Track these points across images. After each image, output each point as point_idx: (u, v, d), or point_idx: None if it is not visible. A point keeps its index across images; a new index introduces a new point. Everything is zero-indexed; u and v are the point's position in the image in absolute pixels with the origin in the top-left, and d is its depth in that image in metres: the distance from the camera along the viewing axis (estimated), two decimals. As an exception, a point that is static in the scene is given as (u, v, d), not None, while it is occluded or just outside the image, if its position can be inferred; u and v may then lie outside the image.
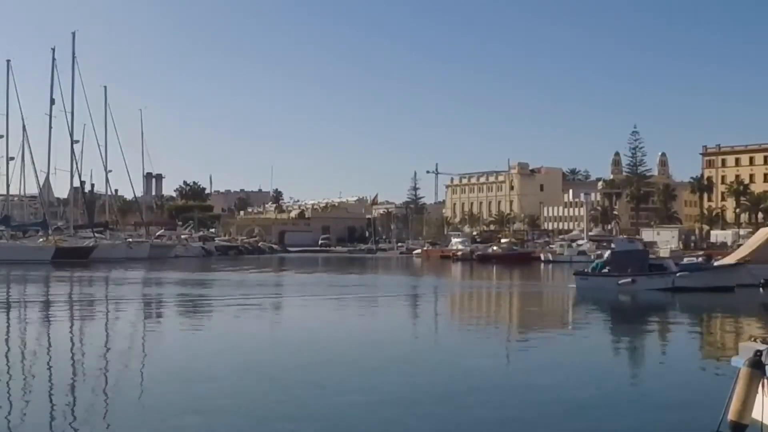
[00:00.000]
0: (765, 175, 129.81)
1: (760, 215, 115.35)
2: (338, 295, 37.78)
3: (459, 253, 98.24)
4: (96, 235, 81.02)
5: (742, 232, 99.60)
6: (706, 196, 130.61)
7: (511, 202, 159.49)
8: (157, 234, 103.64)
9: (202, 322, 27.03)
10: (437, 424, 11.38)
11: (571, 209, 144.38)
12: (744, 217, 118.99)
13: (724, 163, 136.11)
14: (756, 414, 8.65)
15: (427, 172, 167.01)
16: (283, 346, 19.71)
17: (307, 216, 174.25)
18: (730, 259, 43.31)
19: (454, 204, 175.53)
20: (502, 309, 36.43)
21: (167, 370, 15.54)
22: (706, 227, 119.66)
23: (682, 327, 26.90)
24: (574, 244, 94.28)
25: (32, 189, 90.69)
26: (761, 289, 38.40)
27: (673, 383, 14.99)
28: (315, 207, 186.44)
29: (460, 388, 13.94)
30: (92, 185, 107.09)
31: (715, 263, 42.46)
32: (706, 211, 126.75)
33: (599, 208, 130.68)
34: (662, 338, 24.16)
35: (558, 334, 24.04)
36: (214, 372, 15.33)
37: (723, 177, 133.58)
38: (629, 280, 38.32)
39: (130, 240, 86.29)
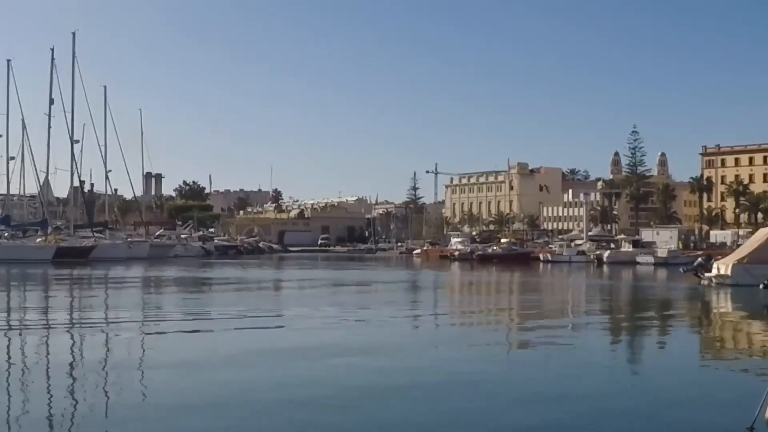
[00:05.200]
0: (764, 175, 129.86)
1: (760, 215, 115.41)
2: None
3: (457, 253, 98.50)
4: (96, 234, 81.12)
5: (741, 232, 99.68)
6: (705, 196, 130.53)
7: (510, 202, 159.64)
8: (157, 234, 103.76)
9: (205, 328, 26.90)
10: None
11: (570, 209, 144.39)
12: (743, 217, 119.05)
13: (723, 163, 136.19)
14: None
15: (427, 172, 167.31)
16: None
17: (306, 216, 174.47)
18: (729, 259, 43.45)
19: (454, 204, 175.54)
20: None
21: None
22: (705, 227, 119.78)
23: None
24: (573, 244, 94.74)
25: (32, 189, 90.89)
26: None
27: None
28: (314, 207, 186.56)
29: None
30: (92, 185, 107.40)
31: None
32: (705, 211, 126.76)
33: (599, 208, 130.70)
34: None
35: None
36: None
37: (722, 177, 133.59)
38: None
39: (130, 239, 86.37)
